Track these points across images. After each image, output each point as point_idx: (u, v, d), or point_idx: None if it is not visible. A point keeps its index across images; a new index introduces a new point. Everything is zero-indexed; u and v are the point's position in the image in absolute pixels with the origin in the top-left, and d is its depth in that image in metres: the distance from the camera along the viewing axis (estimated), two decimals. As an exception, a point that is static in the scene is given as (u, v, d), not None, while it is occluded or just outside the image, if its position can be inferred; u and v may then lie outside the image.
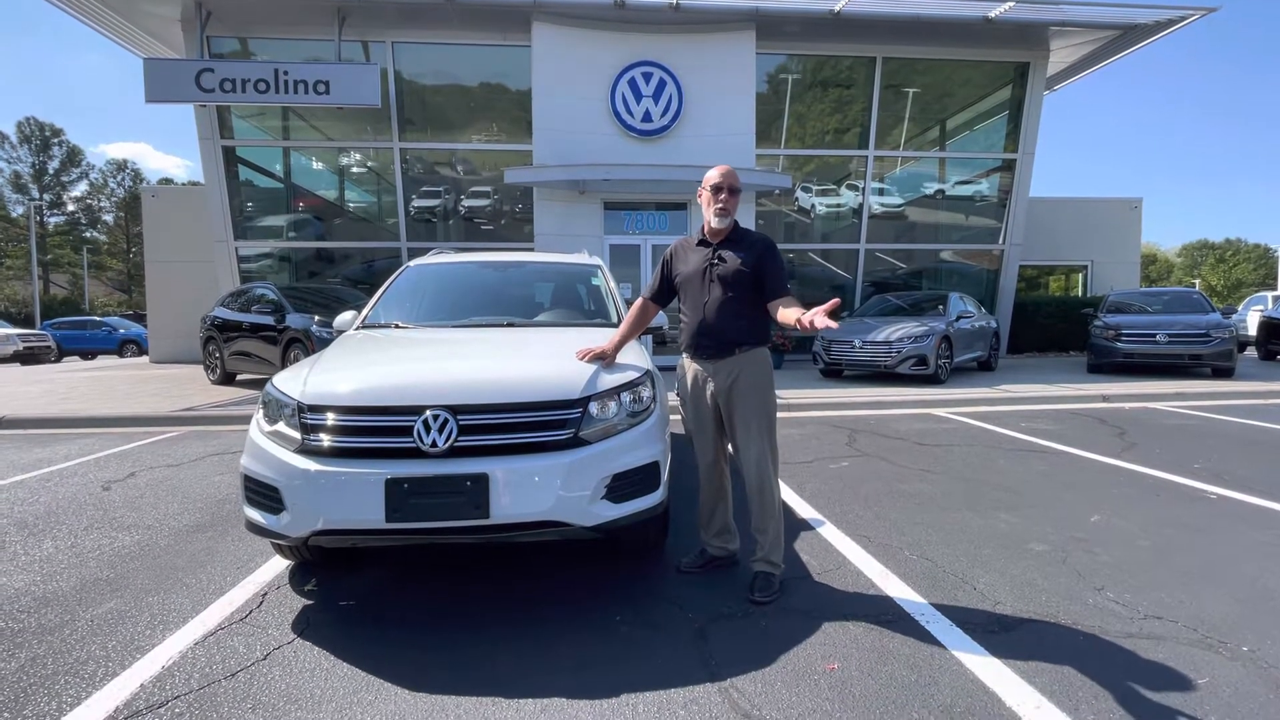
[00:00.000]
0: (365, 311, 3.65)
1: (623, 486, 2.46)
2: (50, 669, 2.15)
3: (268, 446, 2.40)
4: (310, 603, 2.62)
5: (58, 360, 18.71)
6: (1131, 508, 3.76)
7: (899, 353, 8.91)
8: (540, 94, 11.35)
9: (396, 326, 3.45)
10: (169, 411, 7.08)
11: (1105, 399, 7.91)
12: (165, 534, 3.46)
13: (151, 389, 9.45)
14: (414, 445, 2.25)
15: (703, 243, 2.78)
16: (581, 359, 2.68)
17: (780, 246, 2.98)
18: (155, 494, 4.24)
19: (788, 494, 4.06)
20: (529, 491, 2.27)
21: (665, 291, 2.91)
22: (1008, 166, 13.92)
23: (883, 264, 14.35)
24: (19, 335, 17.30)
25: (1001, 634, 2.30)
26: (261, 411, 2.56)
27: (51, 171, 43.70)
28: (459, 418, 2.30)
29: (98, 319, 24.43)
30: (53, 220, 43.64)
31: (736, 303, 2.64)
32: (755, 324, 2.69)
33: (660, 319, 3.84)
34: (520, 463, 2.28)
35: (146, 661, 2.18)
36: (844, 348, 9.51)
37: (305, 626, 2.42)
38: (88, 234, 45.07)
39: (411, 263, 4.13)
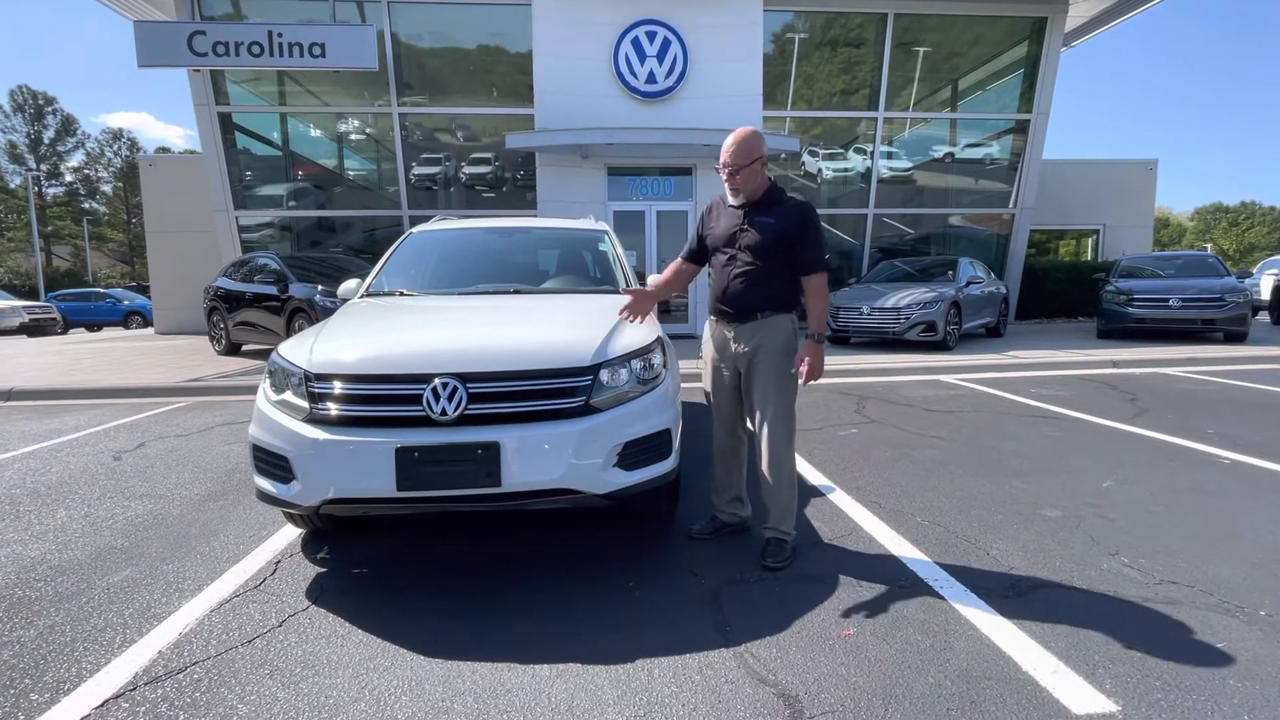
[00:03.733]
0: (369, 280, 3.60)
1: (634, 454, 2.44)
2: (69, 636, 2.16)
3: (276, 416, 2.38)
4: (323, 570, 2.64)
5: (64, 332, 18.75)
6: (1144, 473, 3.74)
7: (907, 319, 8.82)
8: (541, 55, 11.04)
9: (401, 294, 3.40)
10: (176, 382, 7.09)
11: (1115, 364, 7.84)
12: (177, 503, 3.48)
13: (158, 360, 9.46)
14: (423, 414, 2.22)
15: (737, 205, 2.65)
16: (623, 317, 2.65)
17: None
18: (166, 464, 4.25)
19: (798, 462, 4.04)
20: (540, 459, 2.25)
21: (701, 252, 2.79)
22: (1020, 128, 13.58)
23: (891, 229, 14.13)
24: (24, 307, 17.29)
25: (1016, 599, 2.29)
26: (268, 381, 2.53)
27: (47, 141, 43.16)
28: (468, 385, 2.26)
29: (102, 291, 24.41)
30: (51, 191, 43.29)
31: (762, 272, 2.56)
32: (780, 291, 2.59)
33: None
34: (531, 431, 2.25)
35: (164, 629, 2.19)
36: (851, 314, 9.42)
37: (319, 594, 2.43)
38: (87, 205, 44.71)
39: (415, 229, 4.05)
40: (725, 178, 2.58)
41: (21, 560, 2.78)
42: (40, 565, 2.72)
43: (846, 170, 13.99)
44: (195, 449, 4.61)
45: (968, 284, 9.61)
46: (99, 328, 21.07)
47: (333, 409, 2.28)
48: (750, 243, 2.57)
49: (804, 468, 3.92)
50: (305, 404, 2.32)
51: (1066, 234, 18.88)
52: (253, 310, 9.11)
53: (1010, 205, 13.78)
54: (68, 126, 43.89)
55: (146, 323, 19.78)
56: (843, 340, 9.88)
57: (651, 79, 11.18)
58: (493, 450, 2.19)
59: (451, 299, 3.36)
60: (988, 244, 14.24)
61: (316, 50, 10.35)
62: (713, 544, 2.81)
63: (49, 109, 43.03)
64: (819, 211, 2.67)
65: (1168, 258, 11.85)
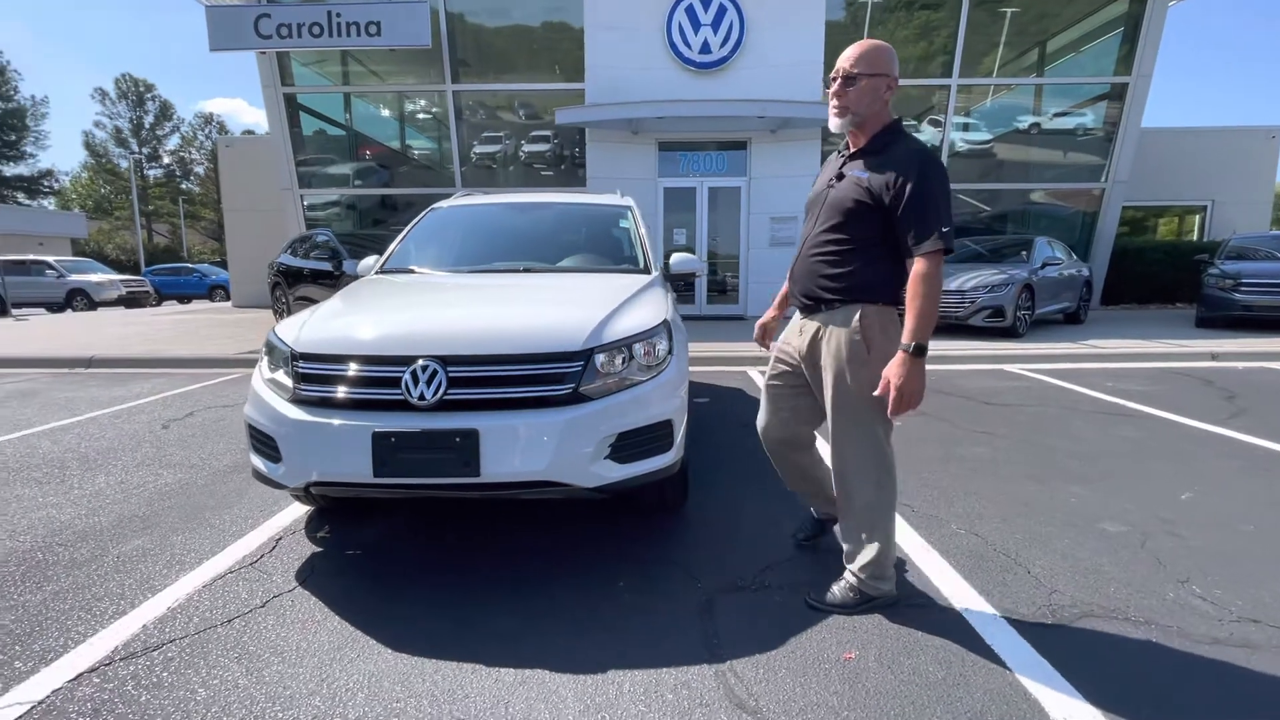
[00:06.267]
0: (386, 256, 3.55)
1: (630, 446, 2.27)
2: (69, 604, 2.21)
3: (265, 395, 2.34)
4: (319, 550, 2.62)
5: (158, 304, 20.22)
6: (1234, 485, 3.26)
7: (972, 303, 8.19)
8: (593, 28, 10.80)
9: (413, 271, 3.33)
10: (234, 354, 7.42)
11: (1214, 357, 7.02)
12: (205, 473, 3.58)
13: (226, 333, 9.98)
14: (402, 398, 2.12)
15: (841, 153, 2.10)
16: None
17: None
18: (206, 434, 4.41)
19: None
20: (522, 449, 2.11)
21: None
22: (1117, 93, 12.30)
23: (964, 206, 13.18)
24: (122, 281, 18.71)
25: (1055, 629, 1.99)
26: (265, 359, 2.50)
27: (147, 126, 46.37)
28: (449, 369, 2.14)
29: (190, 266, 26.19)
30: (151, 173, 46.57)
31: (844, 242, 1.96)
32: (863, 271, 1.95)
33: (691, 264, 3.56)
34: (512, 419, 2.12)
35: (154, 602, 2.21)
36: (911, 297, 8.83)
37: (309, 575, 2.40)
38: (183, 185, 47.93)
39: (436, 205, 3.98)
40: (833, 93, 1.96)
41: (52, 524, 2.90)
42: (66, 530, 2.83)
43: (918, 144, 13.10)
44: (235, 420, 4.77)
45: (1043, 265, 8.82)
46: (188, 300, 22.63)
47: (315, 390, 2.22)
48: (835, 200, 1.98)
49: (835, 463, 3.64)
50: (290, 384, 2.27)
51: (1168, 211, 17.13)
52: (310, 286, 9.42)
53: (1102, 179, 12.57)
54: (165, 112, 47.00)
55: (228, 296, 21.05)
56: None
57: (705, 49, 10.75)
58: (471, 438, 2.07)
59: (458, 277, 3.26)
60: (1072, 222, 13.09)
61: (373, 29, 10.50)
62: (718, 544, 2.62)
63: (149, 95, 46.14)
64: None
65: (1287, 237, 10.52)
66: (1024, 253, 9.13)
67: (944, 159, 12.42)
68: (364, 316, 2.54)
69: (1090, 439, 4.09)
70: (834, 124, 2.01)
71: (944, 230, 1.83)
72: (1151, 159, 13.79)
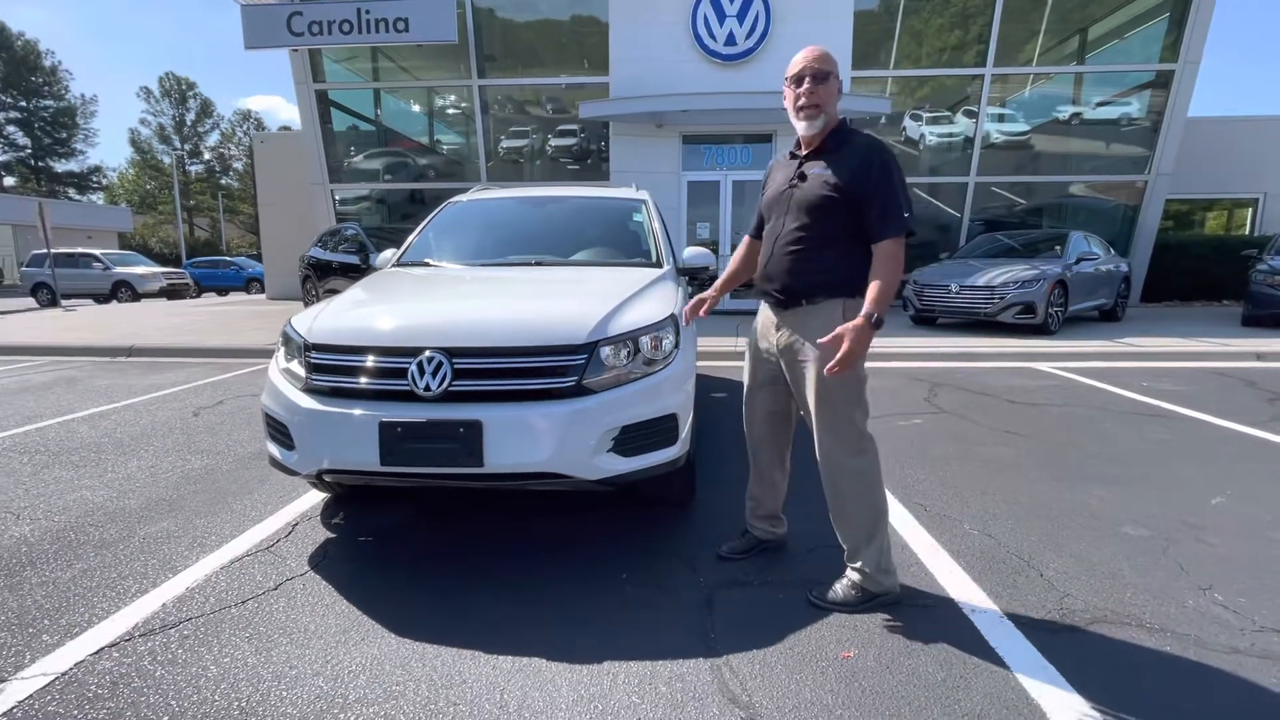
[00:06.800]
0: (403, 249, 3.61)
1: (633, 439, 2.28)
2: (96, 581, 2.31)
3: (280, 384, 2.41)
4: (333, 536, 2.68)
5: (197, 296, 20.89)
6: (1269, 490, 3.13)
7: (1001, 299, 7.97)
8: (617, 20, 10.77)
9: (427, 264, 3.38)
10: (265, 344, 7.63)
11: (1259, 357, 6.73)
12: (230, 459, 3.70)
13: (259, 323, 10.27)
14: (409, 388, 2.16)
15: (794, 154, 2.16)
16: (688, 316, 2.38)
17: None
18: (234, 421, 4.55)
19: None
20: (525, 441, 2.13)
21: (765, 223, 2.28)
22: (1162, 81, 11.82)
23: (998, 199, 12.84)
24: (163, 273, 19.38)
25: (1064, 634, 1.94)
26: (282, 349, 2.57)
27: (189, 123, 47.85)
28: (454, 361, 2.18)
29: (228, 259, 26.99)
30: (193, 169, 48.05)
31: (816, 239, 2.02)
32: (837, 266, 2.01)
33: (703, 258, 3.54)
34: (515, 410, 2.14)
35: (174, 583, 2.30)
36: (938, 293, 8.65)
37: (321, 560, 2.47)
38: (222, 180, 49.37)
39: (452, 199, 4.03)
40: (804, 92, 1.99)
41: (85, 505, 3.03)
42: (98, 511, 2.96)
43: (952, 135, 12.77)
44: (263, 408, 4.91)
45: (1078, 260, 8.54)
46: (226, 292, 23.32)
47: (325, 379, 2.27)
48: (804, 198, 2.03)
49: (849, 460, 3.59)
50: (303, 373, 2.33)
51: (1217, 203, 16.43)
52: (338, 278, 9.64)
53: (1144, 171, 12.11)
54: (206, 109, 48.43)
55: (263, 289, 21.63)
56: (928, 321, 9.12)
57: (731, 40, 10.63)
58: (475, 429, 2.10)
59: (469, 270, 3.30)
60: (1112, 216, 12.65)
61: (400, 25, 10.64)
62: (722, 540, 2.60)
63: (190, 93, 47.58)
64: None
65: (1344, 232, 10.00)
66: (1058, 247, 8.86)
67: (977, 151, 12.11)
68: (374, 309, 2.59)
69: (1119, 440, 3.96)
70: (807, 127, 2.05)
71: (906, 215, 1.95)
72: (1199, 150, 13.23)
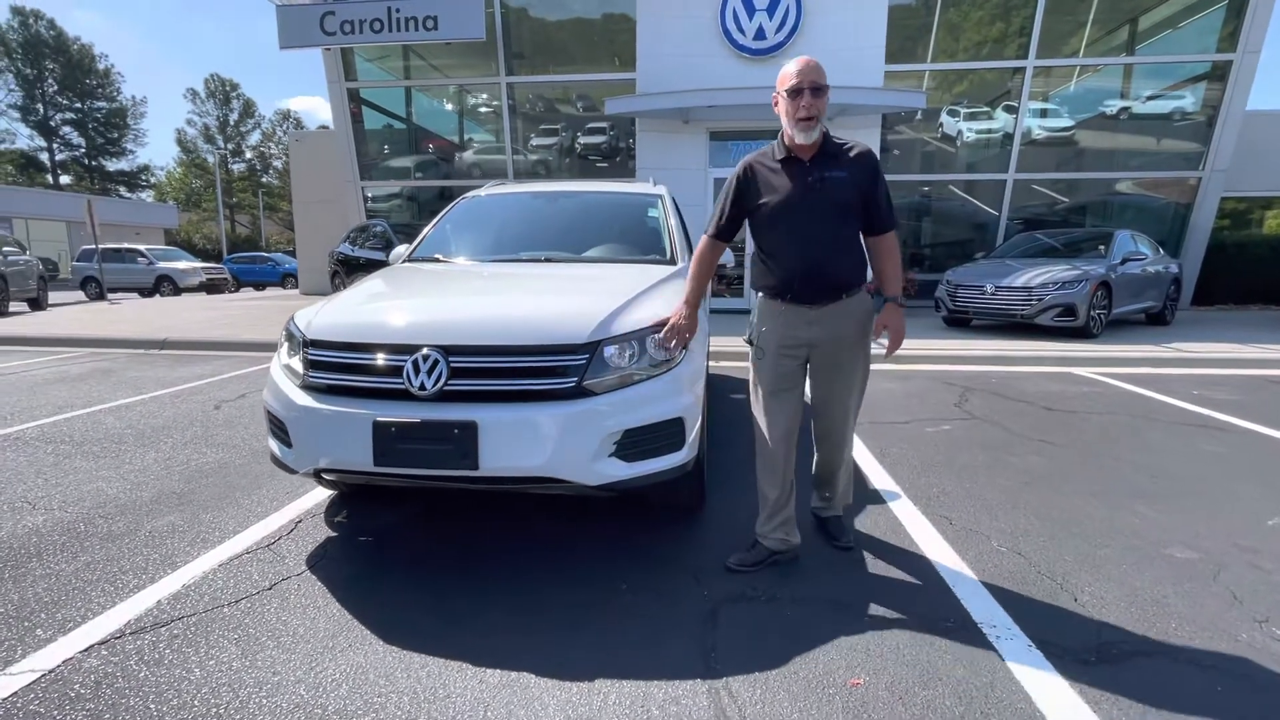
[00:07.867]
0: (415, 244, 3.57)
1: (637, 443, 2.18)
2: (96, 575, 2.31)
3: (279, 380, 2.37)
4: (334, 535, 2.64)
5: (236, 290, 21.48)
6: (1334, 511, 2.87)
7: (1039, 300, 7.64)
8: (644, 14, 10.67)
9: (438, 260, 3.33)
10: (292, 339, 7.74)
11: (1322, 365, 6.30)
12: (243, 453, 3.71)
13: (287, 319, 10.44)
14: (404, 387, 2.10)
15: (790, 160, 2.22)
16: (666, 339, 2.28)
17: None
18: (252, 415, 4.58)
19: (864, 459, 3.56)
20: (521, 444, 2.05)
21: (736, 225, 2.35)
22: (1218, 73, 11.21)
23: (1039, 197, 12.35)
24: (203, 268, 19.98)
25: (1099, 667, 1.77)
26: (285, 345, 2.53)
27: (232, 123, 49.32)
28: (451, 359, 2.10)
29: (265, 255, 27.69)
30: (235, 167, 49.54)
31: (849, 237, 2.24)
32: (861, 261, 2.28)
33: (725, 255, 3.41)
34: (511, 412, 2.05)
35: (171, 579, 2.27)
36: (972, 294, 8.33)
37: (319, 559, 2.42)
38: (263, 178, 50.78)
39: (467, 194, 3.98)
40: (805, 105, 2.10)
41: (99, 496, 3.06)
42: (109, 503, 2.98)
43: (991, 131, 12.32)
44: (282, 403, 4.94)
45: (1124, 261, 8.13)
46: (263, 287, 23.93)
47: (322, 377, 2.22)
48: (834, 200, 2.17)
49: (870, 468, 3.43)
50: (301, 370, 2.29)
51: (1277, 202, 15.55)
52: (364, 274, 9.72)
53: (1198, 168, 11.51)
54: (248, 109, 49.86)
55: (298, 284, 22.14)
56: (961, 323, 8.81)
57: (760, 35, 10.44)
58: (470, 430, 2.02)
59: (480, 265, 3.23)
60: (1161, 214, 12.07)
61: (430, 23, 10.72)
62: (731, 549, 2.48)
63: (234, 94, 49.03)
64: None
65: None
66: (1101, 247, 8.45)
67: (1016, 146, 11.67)
68: (376, 305, 2.54)
69: (1165, 452, 3.71)
70: (806, 136, 2.16)
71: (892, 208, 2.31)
72: (1258, 144, 12.54)
